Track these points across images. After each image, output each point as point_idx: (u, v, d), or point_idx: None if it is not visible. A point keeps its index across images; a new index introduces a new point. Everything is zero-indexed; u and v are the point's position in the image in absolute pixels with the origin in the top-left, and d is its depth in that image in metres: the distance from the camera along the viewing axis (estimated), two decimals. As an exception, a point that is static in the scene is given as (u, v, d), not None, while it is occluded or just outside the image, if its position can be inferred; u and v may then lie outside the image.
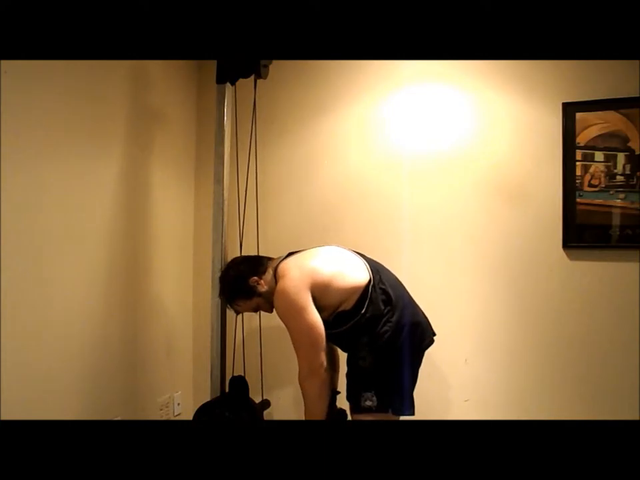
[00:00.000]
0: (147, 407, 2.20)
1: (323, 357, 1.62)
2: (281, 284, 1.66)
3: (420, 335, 1.68)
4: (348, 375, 1.67)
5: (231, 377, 1.91)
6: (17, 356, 1.59)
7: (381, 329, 1.59)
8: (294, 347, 1.65)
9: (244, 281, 1.75)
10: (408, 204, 2.20)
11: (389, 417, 1.59)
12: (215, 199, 1.91)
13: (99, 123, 1.90)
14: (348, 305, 1.63)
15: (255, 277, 1.74)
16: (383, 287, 1.65)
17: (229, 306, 1.84)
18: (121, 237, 2.01)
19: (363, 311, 1.61)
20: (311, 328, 1.60)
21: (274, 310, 1.73)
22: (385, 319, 1.60)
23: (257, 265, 1.78)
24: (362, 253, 1.78)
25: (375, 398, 1.57)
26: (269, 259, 1.82)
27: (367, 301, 1.61)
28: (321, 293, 1.63)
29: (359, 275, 1.66)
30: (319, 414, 1.64)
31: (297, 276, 1.64)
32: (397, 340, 1.60)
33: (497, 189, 2.10)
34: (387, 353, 1.59)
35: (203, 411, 1.81)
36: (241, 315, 1.96)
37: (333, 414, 1.83)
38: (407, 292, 1.73)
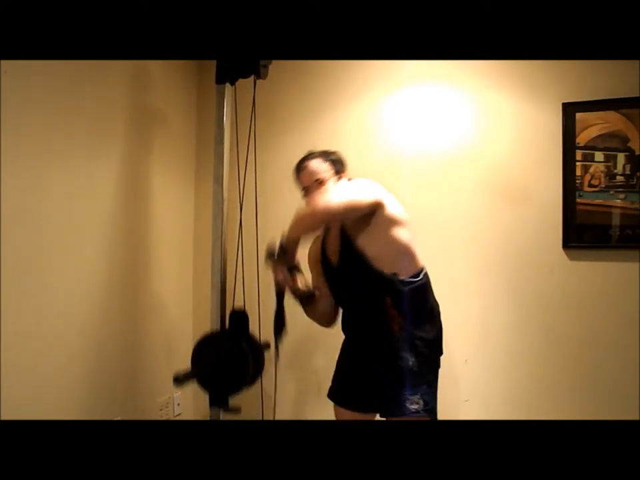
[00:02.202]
0: (147, 407, 2.20)
1: (339, 215, 1.52)
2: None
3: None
4: (378, 377, 1.57)
5: (231, 310, 1.81)
6: (17, 356, 1.59)
7: (430, 331, 1.57)
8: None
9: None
10: (408, 204, 2.19)
11: (425, 418, 1.52)
12: (215, 198, 1.91)
13: (99, 122, 1.90)
14: (402, 272, 1.55)
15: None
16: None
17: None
18: (120, 237, 2.01)
19: (419, 278, 1.57)
20: (355, 199, 1.51)
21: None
22: (435, 320, 1.61)
23: None
24: None
25: (421, 401, 1.50)
26: None
27: (423, 273, 1.59)
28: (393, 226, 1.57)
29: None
30: (292, 240, 1.55)
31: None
32: (440, 341, 1.62)
33: (497, 189, 2.10)
34: (432, 353, 1.57)
35: (202, 344, 1.76)
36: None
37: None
38: None
